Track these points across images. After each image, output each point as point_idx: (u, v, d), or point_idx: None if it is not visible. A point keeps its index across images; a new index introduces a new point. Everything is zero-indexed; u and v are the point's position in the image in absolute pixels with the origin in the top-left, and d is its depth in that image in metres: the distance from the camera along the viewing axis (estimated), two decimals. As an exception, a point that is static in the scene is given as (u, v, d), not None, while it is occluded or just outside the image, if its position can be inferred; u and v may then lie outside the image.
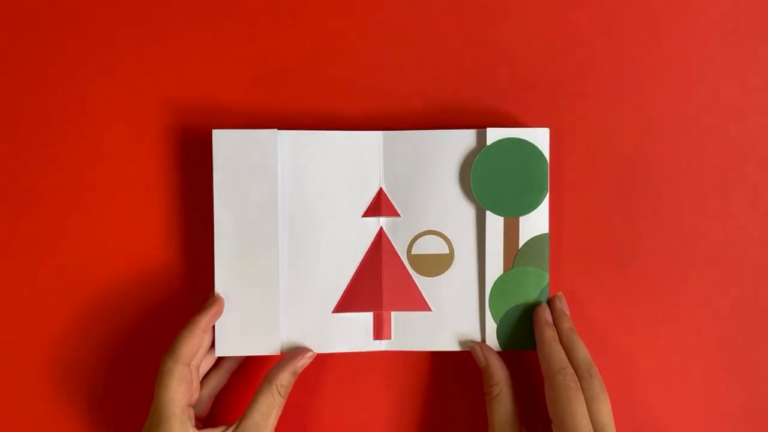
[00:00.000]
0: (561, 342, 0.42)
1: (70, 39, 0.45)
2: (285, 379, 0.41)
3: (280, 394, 0.41)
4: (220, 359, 0.44)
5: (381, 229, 0.44)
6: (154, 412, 0.40)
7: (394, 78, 0.45)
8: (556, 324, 0.43)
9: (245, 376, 0.46)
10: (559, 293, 0.44)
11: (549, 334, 0.42)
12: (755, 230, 0.46)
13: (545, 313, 0.43)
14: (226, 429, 0.41)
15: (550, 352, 0.41)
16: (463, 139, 0.43)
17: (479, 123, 0.45)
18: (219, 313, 0.42)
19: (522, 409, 0.43)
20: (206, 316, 0.41)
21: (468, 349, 0.44)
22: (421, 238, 0.44)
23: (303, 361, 0.42)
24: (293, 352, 0.43)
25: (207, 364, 0.43)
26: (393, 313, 0.44)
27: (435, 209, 0.44)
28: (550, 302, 0.44)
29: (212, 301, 0.42)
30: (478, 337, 0.44)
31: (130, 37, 0.45)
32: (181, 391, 0.40)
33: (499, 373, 0.42)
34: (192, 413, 0.41)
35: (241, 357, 0.44)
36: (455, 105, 0.45)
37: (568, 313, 0.44)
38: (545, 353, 0.41)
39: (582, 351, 0.41)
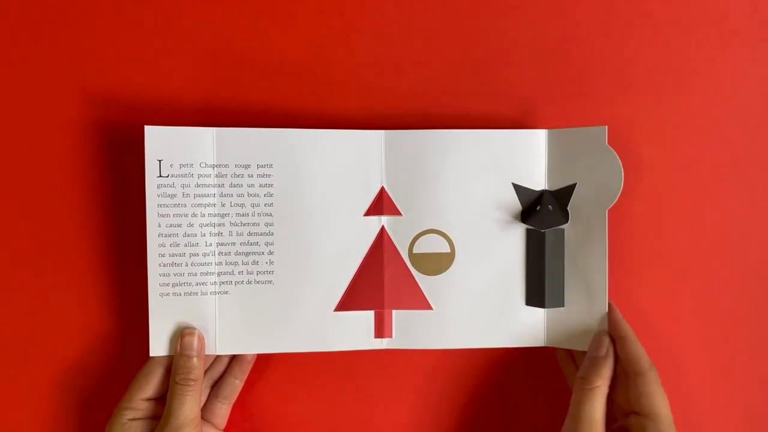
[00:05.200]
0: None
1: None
2: (177, 366, 0.41)
3: (176, 382, 0.41)
4: (228, 366, 0.44)
5: (382, 228, 0.44)
6: (164, 423, 0.40)
7: (394, 78, 0.45)
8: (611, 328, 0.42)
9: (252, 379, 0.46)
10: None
11: (631, 332, 0.42)
12: (754, 230, 0.46)
13: (617, 311, 0.42)
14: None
15: (640, 349, 0.41)
16: (464, 139, 0.43)
17: (480, 123, 0.45)
18: (201, 338, 0.42)
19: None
20: (195, 342, 0.41)
21: (499, 346, 0.44)
22: (422, 237, 0.44)
23: (185, 339, 0.41)
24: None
25: (218, 370, 0.44)
26: (394, 312, 0.44)
27: (436, 208, 0.44)
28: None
29: (189, 332, 0.42)
30: (480, 336, 0.44)
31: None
32: (194, 402, 0.41)
33: (610, 370, 0.41)
34: (198, 423, 0.41)
35: (250, 363, 0.44)
36: (456, 104, 0.45)
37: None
38: (634, 350, 0.41)
39: None
